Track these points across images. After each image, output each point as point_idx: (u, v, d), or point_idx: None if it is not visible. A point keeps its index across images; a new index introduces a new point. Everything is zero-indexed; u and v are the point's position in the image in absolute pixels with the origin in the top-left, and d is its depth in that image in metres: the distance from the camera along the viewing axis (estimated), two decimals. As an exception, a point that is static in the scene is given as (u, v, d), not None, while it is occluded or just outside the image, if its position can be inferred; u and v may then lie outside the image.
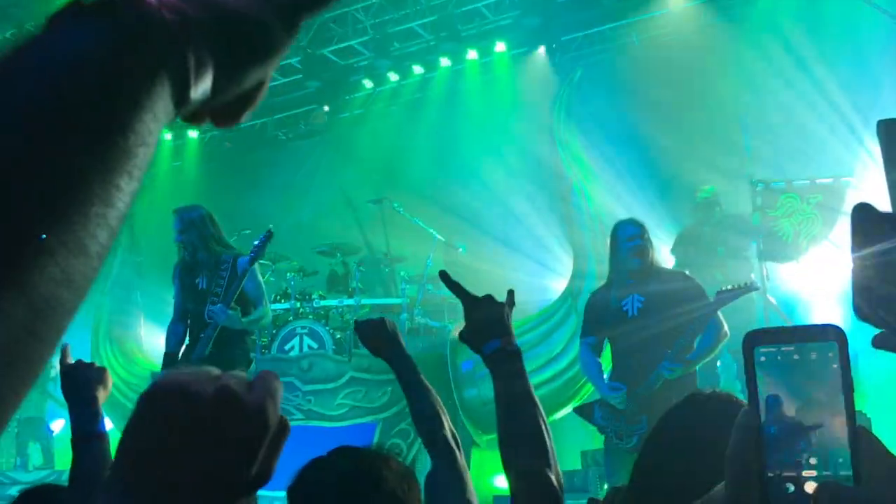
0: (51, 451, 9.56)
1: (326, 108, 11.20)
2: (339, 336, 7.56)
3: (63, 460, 9.04)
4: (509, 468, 1.72)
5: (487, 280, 8.98)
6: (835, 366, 0.71)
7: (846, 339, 0.72)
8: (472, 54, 10.06)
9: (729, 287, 4.78)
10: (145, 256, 10.31)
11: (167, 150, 12.20)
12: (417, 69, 10.41)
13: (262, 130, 12.07)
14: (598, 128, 8.22)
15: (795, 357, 0.73)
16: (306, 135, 11.71)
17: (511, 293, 1.92)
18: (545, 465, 1.68)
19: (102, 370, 1.95)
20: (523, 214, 9.30)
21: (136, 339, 9.51)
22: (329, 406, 6.95)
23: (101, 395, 1.90)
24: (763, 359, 0.73)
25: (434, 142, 10.10)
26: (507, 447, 1.76)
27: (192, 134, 11.89)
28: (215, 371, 0.68)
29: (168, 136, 11.95)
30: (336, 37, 10.19)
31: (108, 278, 9.96)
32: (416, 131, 10.36)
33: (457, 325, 7.95)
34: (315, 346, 7.40)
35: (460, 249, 8.71)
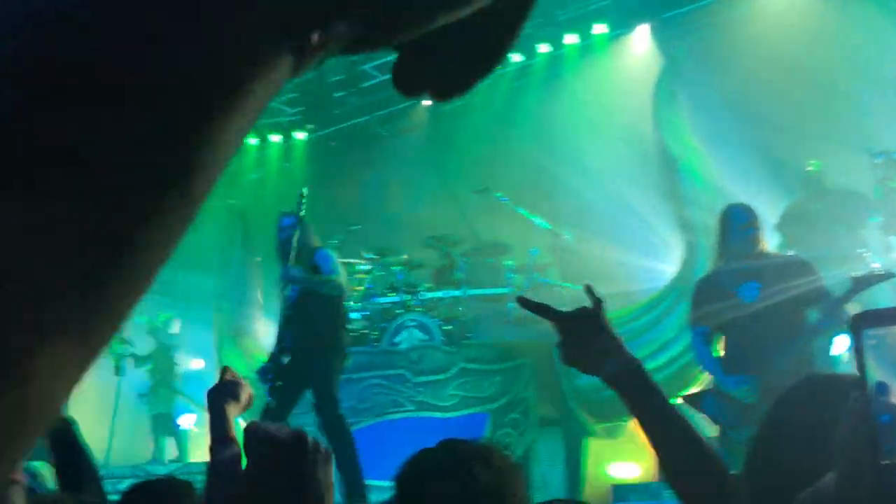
0: (182, 446, 10.04)
1: (427, 102, 11.28)
2: (447, 328, 7.62)
3: (193, 454, 9.50)
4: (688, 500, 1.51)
5: (596, 266, 8.89)
6: None
7: None
8: (570, 38, 9.91)
9: (863, 274, 4.51)
10: (263, 256, 10.67)
11: (276, 152, 12.57)
12: (516, 57, 10.32)
13: (365, 128, 12.27)
14: (703, 106, 7.96)
15: None
16: (409, 130, 11.83)
17: (591, 291, 1.72)
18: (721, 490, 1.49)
19: (237, 385, 2.01)
20: (630, 198, 9.10)
21: (255, 337, 9.85)
22: (440, 397, 7.02)
23: (234, 408, 2.00)
24: (873, 342, 0.69)
25: (535, 129, 10.02)
26: (676, 478, 1.54)
27: (300, 136, 12.21)
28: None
29: (276, 138, 12.31)
30: (436, 29, 10.25)
31: (227, 278, 10.37)
32: (517, 120, 10.30)
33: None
34: (425, 338, 7.49)
35: (566, 236, 8.61)
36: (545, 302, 1.74)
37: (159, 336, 9.99)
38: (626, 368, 1.59)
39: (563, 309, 1.70)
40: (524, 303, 1.76)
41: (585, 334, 1.64)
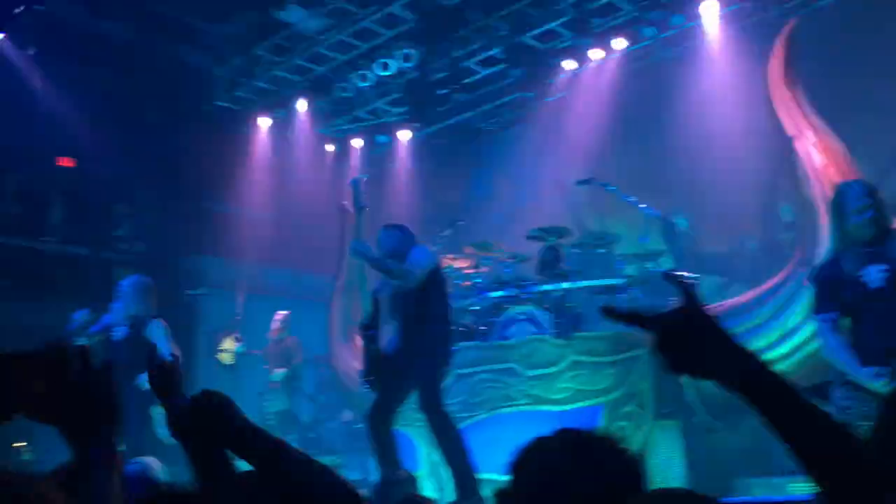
0: (305, 442, 10.35)
1: (531, 95, 11.20)
2: (558, 320, 7.54)
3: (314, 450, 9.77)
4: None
5: (711, 252, 8.62)
6: None
7: None
8: (678, 19, 9.63)
9: None
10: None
11: (383, 152, 12.78)
12: (621, 43, 10.12)
13: (469, 124, 12.30)
14: (819, 82, 7.57)
15: None
16: (513, 123, 11.78)
17: (676, 279, 1.43)
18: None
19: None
20: (746, 180, 8.77)
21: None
22: (552, 390, 6.95)
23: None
24: None
25: (643, 116, 9.78)
26: (823, 478, 1.31)
27: (406, 135, 12.36)
28: None
29: (383, 138, 12.51)
30: (535, 22, 10.14)
31: (340, 278, 10.61)
32: (624, 105, 10.08)
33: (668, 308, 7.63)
34: (535, 331, 7.44)
35: (679, 223, 8.37)
36: (634, 311, 1.44)
37: (280, 334, 10.32)
38: (747, 367, 1.33)
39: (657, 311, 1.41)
40: (609, 312, 1.43)
41: (690, 336, 1.35)
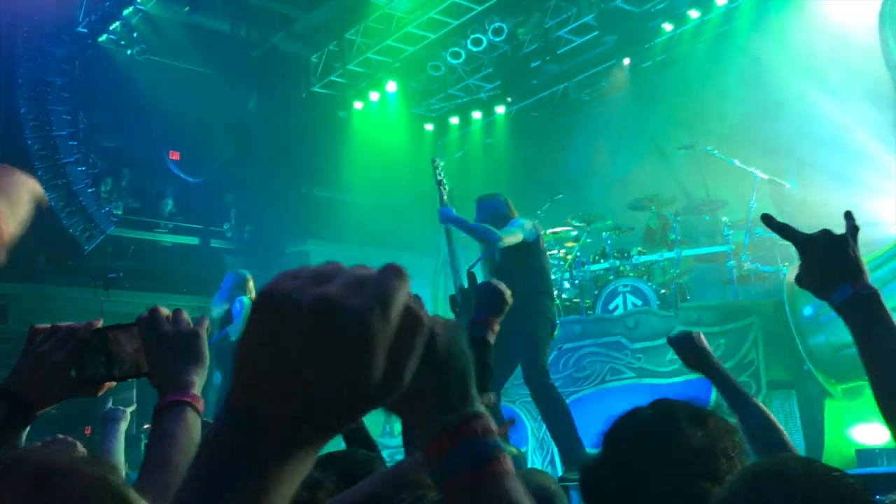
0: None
1: (626, 61, 10.91)
2: (663, 291, 7.35)
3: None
4: None
5: (824, 215, 8.19)
6: None
7: None
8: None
9: None
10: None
11: (478, 129, 12.73)
12: (720, 1, 9.71)
13: (564, 95, 12.10)
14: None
15: None
16: (609, 91, 11.51)
17: (850, 217, 1.61)
18: None
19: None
20: (856, 138, 8.29)
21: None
22: (660, 363, 6.78)
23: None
24: None
25: (745, 75, 9.36)
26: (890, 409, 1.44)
27: (500, 110, 12.27)
28: (329, 269, 0.65)
29: (477, 115, 12.45)
30: (628, -16, 9.87)
31: (440, 256, 10.68)
32: (724, 67, 9.67)
33: (792, 268, 7.32)
34: (639, 303, 7.28)
35: (788, 185, 7.99)
36: (786, 224, 1.65)
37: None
38: (858, 294, 1.49)
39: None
40: (768, 220, 1.68)
41: (826, 258, 1.55)
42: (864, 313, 1.49)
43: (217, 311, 7.43)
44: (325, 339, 0.61)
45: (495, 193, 5.89)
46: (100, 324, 1.44)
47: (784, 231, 1.64)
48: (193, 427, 1.40)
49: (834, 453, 6.21)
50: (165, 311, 1.46)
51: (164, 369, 1.43)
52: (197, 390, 1.44)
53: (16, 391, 1.37)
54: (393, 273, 0.65)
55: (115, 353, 1.42)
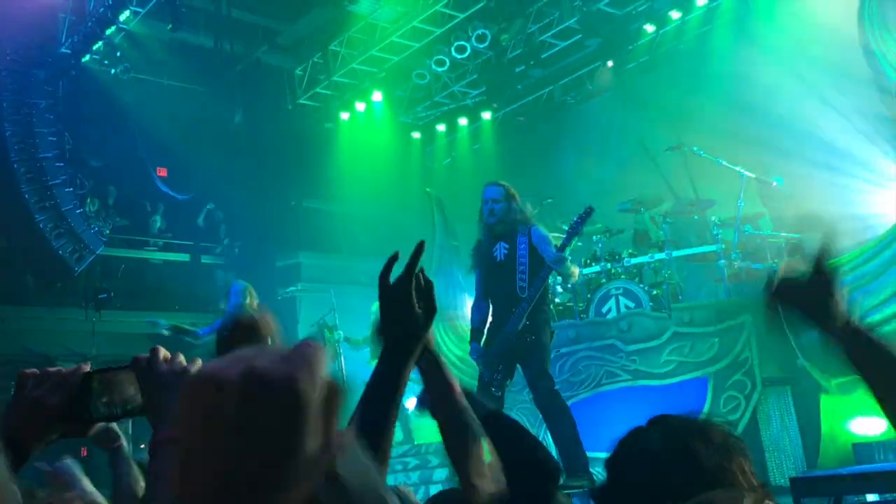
0: (408, 427, 10.47)
1: (610, 63, 10.95)
2: (655, 292, 7.38)
3: (419, 436, 9.87)
4: None
5: (812, 211, 8.23)
6: None
7: None
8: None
9: None
10: (461, 240, 10.86)
11: (465, 136, 12.75)
12: (701, 0, 9.77)
13: (549, 99, 12.14)
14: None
15: None
16: (594, 94, 11.55)
17: (826, 248, 1.53)
18: None
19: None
20: (842, 133, 8.34)
21: (464, 319, 10.04)
22: (655, 364, 6.80)
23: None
24: None
25: (729, 74, 9.41)
26: None
27: (486, 116, 12.29)
28: (249, 352, 0.64)
29: (464, 121, 12.47)
30: (610, -13, 9.91)
31: (432, 264, 10.67)
32: (707, 66, 9.73)
33: (784, 263, 7.34)
34: (632, 305, 7.30)
35: (775, 182, 8.03)
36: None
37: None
38: (848, 328, 1.50)
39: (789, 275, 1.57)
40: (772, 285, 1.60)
41: (814, 291, 1.53)
42: (856, 346, 1.51)
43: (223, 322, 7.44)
44: (257, 412, 0.60)
45: (512, 191, 5.79)
46: (87, 367, 1.49)
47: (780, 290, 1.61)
48: None
49: (831, 447, 6.25)
50: (164, 351, 1.51)
51: (161, 407, 1.47)
52: None
53: (15, 437, 1.41)
54: (312, 345, 0.65)
55: (117, 393, 1.48)
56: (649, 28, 10.32)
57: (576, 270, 5.55)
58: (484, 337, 5.54)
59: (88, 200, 10.69)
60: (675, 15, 10.03)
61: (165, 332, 7.51)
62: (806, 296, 1.53)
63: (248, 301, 7.35)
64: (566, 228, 6.58)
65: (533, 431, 7.32)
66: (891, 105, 6.63)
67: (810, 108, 8.48)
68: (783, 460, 6.24)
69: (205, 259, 12.30)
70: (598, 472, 5.30)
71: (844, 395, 6.49)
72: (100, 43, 10.15)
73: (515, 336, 5.29)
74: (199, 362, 1.50)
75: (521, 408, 7.29)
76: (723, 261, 7.49)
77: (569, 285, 5.98)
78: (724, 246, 7.57)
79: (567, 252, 5.50)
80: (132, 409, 1.50)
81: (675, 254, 7.77)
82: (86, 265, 9.98)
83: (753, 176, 7.81)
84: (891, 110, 6.66)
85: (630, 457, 1.49)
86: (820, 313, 1.52)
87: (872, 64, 6.59)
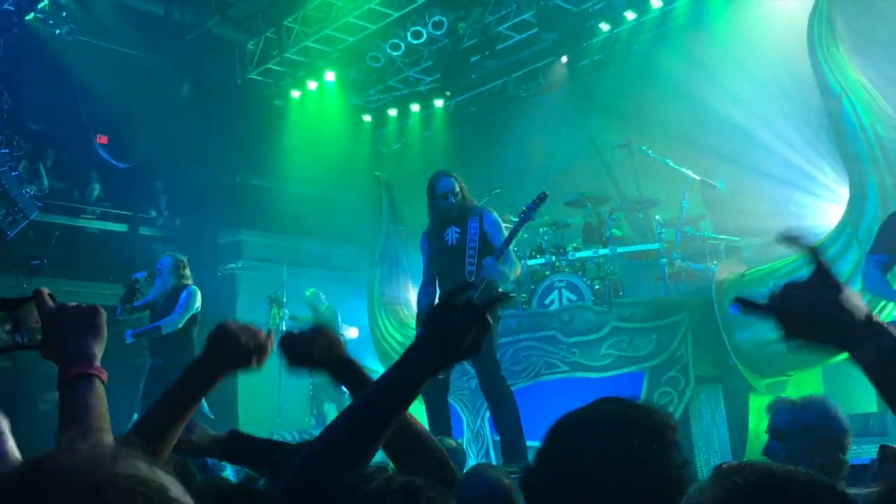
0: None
1: (564, 59, 11.04)
2: (597, 287, 7.48)
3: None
4: None
5: (752, 215, 8.45)
6: None
7: None
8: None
9: None
10: (408, 226, 10.84)
11: (417, 122, 12.71)
12: (656, 2, 9.90)
13: (502, 90, 12.17)
14: (866, 36, 7.33)
15: None
16: (547, 88, 11.62)
17: (816, 254, 1.41)
18: None
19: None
20: (786, 141, 8.58)
21: (407, 305, 10.06)
22: (594, 357, 6.91)
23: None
24: None
25: (679, 76, 9.57)
26: None
27: (438, 103, 12.27)
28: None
29: (416, 107, 12.43)
30: (568, -17, 9.97)
31: (377, 249, 10.64)
32: (660, 68, 9.87)
33: (722, 265, 7.54)
34: (574, 298, 7.39)
35: (718, 186, 8.22)
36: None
37: (316, 307, 10.35)
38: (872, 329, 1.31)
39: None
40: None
41: (821, 304, 1.35)
42: (878, 352, 1.33)
43: (153, 296, 7.24)
44: None
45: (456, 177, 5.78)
46: None
47: (766, 309, 1.43)
48: (104, 399, 1.48)
49: (757, 446, 6.43)
50: (47, 291, 1.57)
51: (66, 343, 1.51)
52: (98, 363, 1.53)
53: None
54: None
55: (23, 324, 1.53)
56: (604, 27, 10.43)
57: (512, 273, 5.55)
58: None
59: (25, 163, 10.34)
60: (630, 15, 10.15)
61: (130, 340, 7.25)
62: (816, 297, 1.36)
63: (184, 279, 7.20)
64: (514, 219, 6.64)
65: (470, 418, 7.37)
66: (833, 118, 6.83)
67: (759, 115, 8.69)
68: (711, 455, 6.41)
69: (143, 230, 12.03)
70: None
71: (772, 395, 6.70)
72: (45, 2, 9.81)
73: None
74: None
75: (458, 395, 7.34)
76: (664, 259, 7.63)
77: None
78: (665, 245, 7.71)
79: (513, 243, 5.55)
80: (34, 341, 1.55)
81: (619, 250, 7.89)
82: (19, 230, 9.66)
83: (698, 178, 7.98)
84: (833, 123, 6.85)
85: (567, 432, 1.49)
86: (837, 314, 1.33)
87: (818, 74, 6.77)
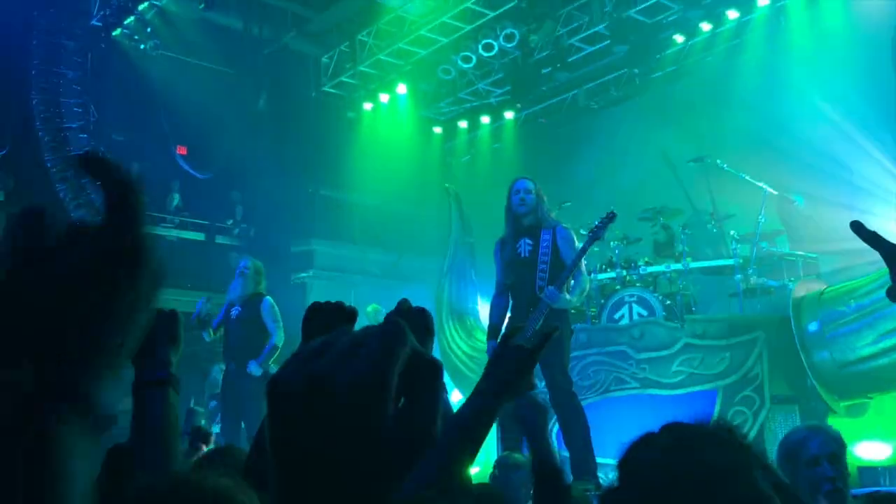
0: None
1: (637, 72, 10.93)
2: (668, 303, 7.37)
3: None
4: None
5: (831, 232, 8.21)
6: None
7: None
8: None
9: None
10: (476, 237, 10.86)
11: (487, 134, 12.75)
12: (732, 14, 9.74)
13: (573, 103, 12.13)
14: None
15: None
16: (619, 101, 11.53)
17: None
18: None
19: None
20: (869, 154, 8.31)
21: (475, 315, 10.07)
22: (665, 374, 6.79)
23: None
24: None
25: (756, 88, 9.38)
26: None
27: (508, 115, 12.29)
28: (328, 340, 0.64)
29: (486, 119, 12.47)
30: (642, -5, 9.88)
31: (446, 260, 10.68)
32: (735, 80, 9.70)
33: (800, 282, 7.34)
34: (645, 313, 7.29)
35: (796, 201, 8.01)
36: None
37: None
38: None
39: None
40: (858, 228, 1.55)
41: None
42: None
43: (229, 301, 7.37)
44: (321, 418, 0.60)
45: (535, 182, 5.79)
46: None
47: (873, 240, 1.56)
48: (175, 407, 1.51)
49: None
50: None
51: (144, 347, 1.48)
52: (173, 369, 1.54)
53: None
54: (391, 335, 0.62)
55: None
56: (679, 38, 10.29)
57: (579, 295, 5.55)
58: (501, 333, 5.52)
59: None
60: (705, 27, 10.00)
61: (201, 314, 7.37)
62: None
63: (262, 282, 7.34)
64: (584, 233, 6.60)
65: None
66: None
67: (838, 130, 8.45)
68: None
69: (219, 239, 12.35)
70: (604, 478, 5.31)
71: (852, 417, 6.49)
72: (131, 17, 10.21)
73: (534, 335, 5.29)
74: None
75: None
76: (739, 275, 7.47)
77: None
78: (741, 260, 7.55)
79: (584, 259, 5.52)
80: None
81: (692, 265, 7.75)
82: (102, 237, 10.02)
83: (776, 193, 7.79)
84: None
85: (640, 462, 1.48)
86: None
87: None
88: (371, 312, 10.44)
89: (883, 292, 6.07)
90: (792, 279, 7.61)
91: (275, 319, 7.10)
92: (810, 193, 8.20)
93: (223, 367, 7.54)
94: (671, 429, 1.55)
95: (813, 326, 6.56)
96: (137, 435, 1.47)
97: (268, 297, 7.22)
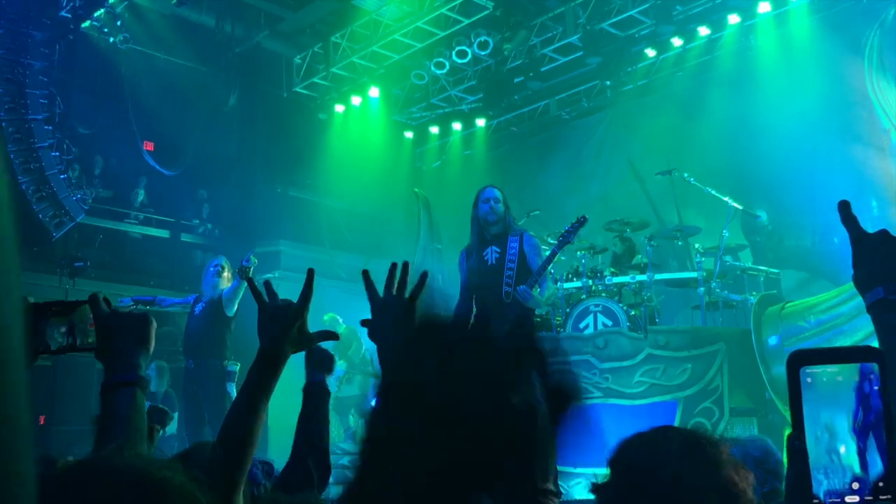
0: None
1: (608, 84, 11.03)
2: (633, 313, 7.42)
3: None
4: None
5: (794, 247, 8.36)
6: (876, 387, 0.73)
7: (885, 360, 0.70)
8: (764, 7, 9.32)
9: None
10: (444, 244, 10.87)
11: (458, 140, 12.77)
12: (703, 31, 9.87)
13: (544, 112, 12.20)
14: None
15: (839, 378, 0.77)
16: (590, 111, 11.62)
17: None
18: None
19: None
20: (832, 173, 8.46)
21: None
22: (627, 384, 6.84)
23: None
24: (809, 380, 0.79)
25: (725, 105, 9.52)
26: None
27: (480, 123, 12.32)
28: None
29: (457, 126, 12.49)
30: (615, 8, 9.97)
31: (412, 265, 10.65)
32: (705, 96, 9.83)
33: (761, 296, 7.44)
34: (609, 323, 7.34)
35: (760, 217, 8.13)
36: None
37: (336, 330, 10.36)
38: (887, 300, 1.44)
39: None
40: (844, 206, 1.55)
41: (871, 257, 1.49)
42: (891, 319, 1.44)
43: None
44: None
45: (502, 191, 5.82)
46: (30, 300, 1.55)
47: (848, 222, 1.56)
48: (141, 409, 1.55)
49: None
50: (102, 295, 1.62)
51: (114, 349, 1.56)
52: (142, 372, 1.58)
53: None
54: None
55: (75, 326, 1.57)
56: (650, 52, 10.41)
57: (547, 297, 5.60)
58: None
59: (74, 167, 10.57)
60: (676, 42, 10.12)
61: (130, 304, 7.49)
62: (873, 251, 1.50)
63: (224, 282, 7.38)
64: (552, 241, 6.63)
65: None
66: (881, 152, 6.74)
67: (803, 148, 8.59)
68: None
69: (185, 237, 12.21)
70: (564, 486, 5.33)
71: (809, 431, 6.58)
72: (101, 10, 10.06)
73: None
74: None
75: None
76: (702, 288, 7.55)
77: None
78: (704, 274, 7.63)
79: (550, 266, 5.55)
80: (87, 344, 1.58)
81: (657, 277, 7.82)
82: (64, 232, 9.86)
83: (740, 208, 7.89)
84: (881, 158, 6.76)
85: (645, 456, 1.49)
86: (878, 270, 1.47)
87: (867, 108, 6.70)
88: (328, 321, 10.37)
89: (843, 308, 6.18)
90: (754, 293, 7.71)
91: (235, 292, 7.20)
92: (774, 210, 8.33)
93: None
94: (671, 432, 1.58)
95: (773, 340, 6.65)
96: (104, 434, 1.50)
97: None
